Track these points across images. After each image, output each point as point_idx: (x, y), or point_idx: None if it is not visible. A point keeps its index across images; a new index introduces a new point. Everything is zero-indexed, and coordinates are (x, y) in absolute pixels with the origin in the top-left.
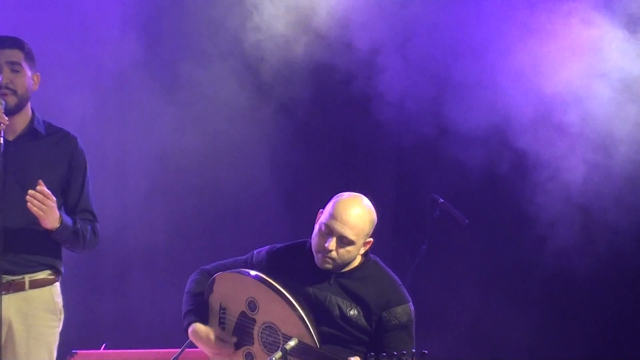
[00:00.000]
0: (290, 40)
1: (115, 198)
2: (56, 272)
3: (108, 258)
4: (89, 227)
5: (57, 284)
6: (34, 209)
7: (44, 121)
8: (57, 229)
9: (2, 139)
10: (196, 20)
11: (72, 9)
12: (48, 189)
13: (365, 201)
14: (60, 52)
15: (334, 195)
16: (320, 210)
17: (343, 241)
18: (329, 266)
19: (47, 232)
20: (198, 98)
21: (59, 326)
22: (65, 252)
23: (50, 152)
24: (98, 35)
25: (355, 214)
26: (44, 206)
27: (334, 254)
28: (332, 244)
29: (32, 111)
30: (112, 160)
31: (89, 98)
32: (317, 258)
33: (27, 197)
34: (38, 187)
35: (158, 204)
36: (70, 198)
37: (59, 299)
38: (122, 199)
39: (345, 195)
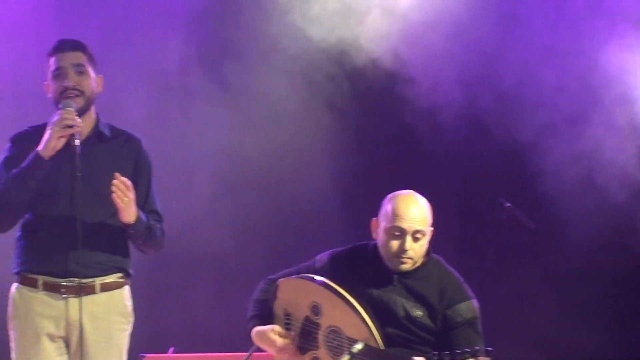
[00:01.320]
0: (352, 44)
1: (180, 201)
2: (126, 275)
3: (174, 261)
4: (158, 226)
5: (127, 287)
6: (118, 200)
7: (107, 123)
8: (134, 223)
9: (77, 141)
10: (256, 22)
11: (130, 9)
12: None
13: (415, 193)
14: (117, 53)
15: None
16: (374, 219)
17: (416, 237)
18: (408, 266)
19: (118, 235)
20: (258, 101)
21: (129, 329)
22: (133, 255)
23: (116, 154)
24: (156, 35)
25: (417, 207)
26: (126, 198)
27: (411, 252)
28: (408, 243)
29: (97, 113)
30: (175, 164)
31: (148, 100)
32: (394, 262)
33: (113, 187)
34: (121, 179)
35: (223, 207)
36: (137, 199)
37: (129, 302)
38: (187, 203)
39: (398, 194)
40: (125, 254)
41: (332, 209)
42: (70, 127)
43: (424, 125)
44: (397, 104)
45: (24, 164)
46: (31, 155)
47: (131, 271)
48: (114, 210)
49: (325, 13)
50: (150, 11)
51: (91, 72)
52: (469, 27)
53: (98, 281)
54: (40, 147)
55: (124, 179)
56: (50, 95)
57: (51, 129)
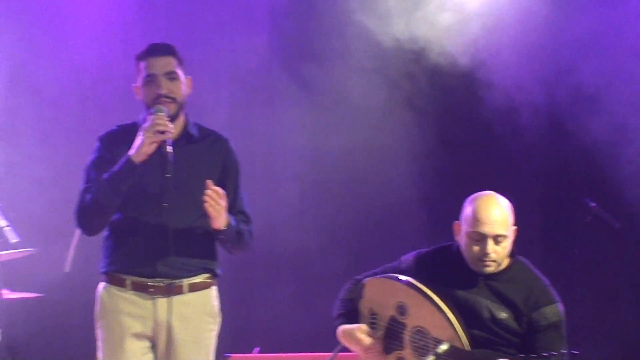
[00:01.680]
0: (430, 43)
1: (264, 201)
2: (214, 275)
3: (259, 262)
4: (247, 228)
5: (214, 287)
6: (210, 209)
7: (195, 123)
8: (225, 229)
9: (170, 147)
10: (336, 22)
11: (213, 9)
12: (204, 192)
13: (496, 194)
14: (201, 53)
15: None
16: (456, 222)
17: (498, 240)
18: (491, 269)
19: (206, 236)
20: (340, 101)
21: (216, 329)
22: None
23: (205, 155)
24: (239, 36)
25: (498, 210)
26: (218, 206)
27: (493, 255)
28: (490, 247)
29: (185, 115)
30: (259, 164)
31: (232, 101)
32: (477, 265)
33: (205, 197)
34: (213, 187)
35: (307, 208)
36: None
37: (216, 302)
38: (271, 203)
39: (478, 197)
40: (213, 255)
41: (414, 209)
42: (162, 132)
43: (503, 125)
44: (476, 104)
45: (115, 168)
46: (122, 160)
47: (218, 271)
48: (203, 212)
49: (404, 13)
50: (234, 11)
51: (181, 75)
52: (547, 26)
53: (186, 282)
54: (132, 152)
55: (216, 187)
56: (140, 98)
57: (143, 135)
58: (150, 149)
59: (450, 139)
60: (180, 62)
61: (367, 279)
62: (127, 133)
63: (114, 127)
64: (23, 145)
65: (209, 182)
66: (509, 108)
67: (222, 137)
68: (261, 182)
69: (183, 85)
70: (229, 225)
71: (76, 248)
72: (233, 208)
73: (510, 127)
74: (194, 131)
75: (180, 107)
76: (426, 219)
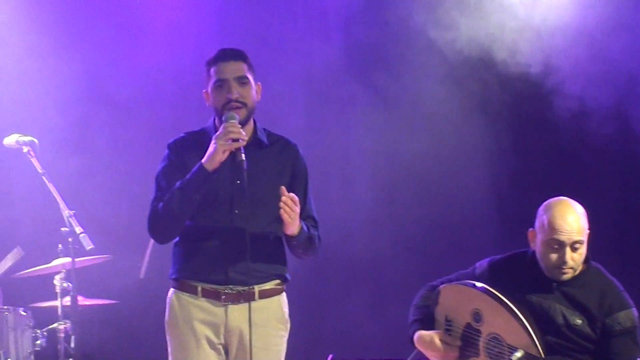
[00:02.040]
0: (502, 49)
1: (338, 207)
2: (283, 281)
3: (332, 268)
4: (316, 234)
5: (284, 293)
6: (285, 215)
7: (263, 129)
8: (297, 234)
9: (243, 155)
10: (409, 28)
11: (286, 16)
12: (275, 198)
13: (570, 200)
14: (274, 60)
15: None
16: (531, 230)
17: (575, 247)
18: (569, 276)
19: (276, 242)
20: (413, 106)
21: (286, 336)
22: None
23: (274, 161)
24: (312, 42)
25: (574, 216)
26: (293, 212)
27: (571, 262)
28: (568, 255)
29: (254, 120)
30: (333, 171)
31: (306, 107)
32: (554, 273)
33: (281, 203)
34: (288, 194)
35: (381, 214)
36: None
37: (286, 309)
38: (345, 209)
39: (552, 205)
40: (283, 261)
41: (488, 214)
42: (236, 140)
43: (574, 129)
44: (547, 109)
45: (188, 177)
46: (195, 169)
47: (288, 277)
48: (273, 218)
49: (473, 21)
50: (310, 20)
51: (252, 81)
52: (617, 31)
53: (257, 288)
54: (204, 160)
55: (291, 194)
56: (210, 104)
57: (216, 143)
58: (223, 157)
59: (522, 144)
60: (251, 68)
61: (442, 285)
62: (196, 140)
63: (182, 135)
64: (98, 152)
65: (284, 189)
66: (579, 113)
67: (291, 143)
68: (336, 188)
69: (253, 90)
70: (301, 231)
71: (151, 254)
72: (302, 213)
73: (581, 132)
74: (263, 137)
75: (250, 112)
76: (500, 224)
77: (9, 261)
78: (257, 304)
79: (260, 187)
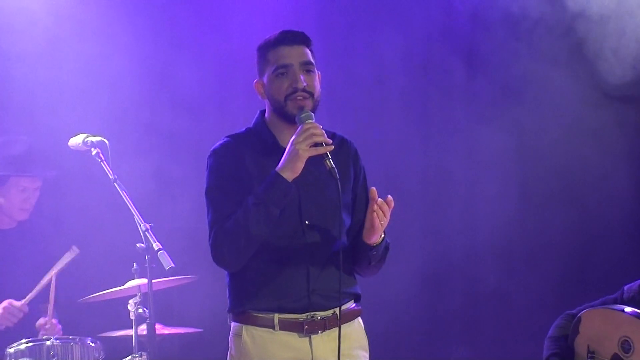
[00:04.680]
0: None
1: (467, 214)
2: (358, 299)
3: (456, 292)
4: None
5: (360, 316)
6: (377, 222)
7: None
8: (379, 243)
9: (331, 161)
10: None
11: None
12: (343, 204)
13: None
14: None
15: None
16: None
17: None
18: None
19: (348, 256)
20: (546, 99)
21: None
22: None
23: (335, 159)
24: (424, 31)
25: None
26: (386, 218)
27: None
28: None
29: None
30: (461, 175)
31: (425, 96)
32: None
33: (375, 207)
34: (388, 198)
35: (510, 225)
36: (357, 210)
37: (364, 333)
38: (474, 215)
39: None
40: (354, 277)
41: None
42: (320, 144)
43: None
44: None
45: (263, 190)
46: (270, 179)
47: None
48: (342, 227)
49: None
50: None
51: (316, 69)
52: None
53: (336, 311)
54: (281, 169)
55: (388, 196)
56: (266, 96)
57: (297, 147)
58: (303, 164)
59: None
60: (314, 55)
61: (584, 311)
62: (244, 143)
63: (226, 138)
64: (178, 156)
65: (374, 190)
66: None
67: (346, 139)
68: (462, 194)
69: (318, 80)
70: (383, 239)
71: None
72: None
73: None
74: None
75: (316, 105)
76: None
77: (65, 260)
78: (343, 331)
79: (324, 191)
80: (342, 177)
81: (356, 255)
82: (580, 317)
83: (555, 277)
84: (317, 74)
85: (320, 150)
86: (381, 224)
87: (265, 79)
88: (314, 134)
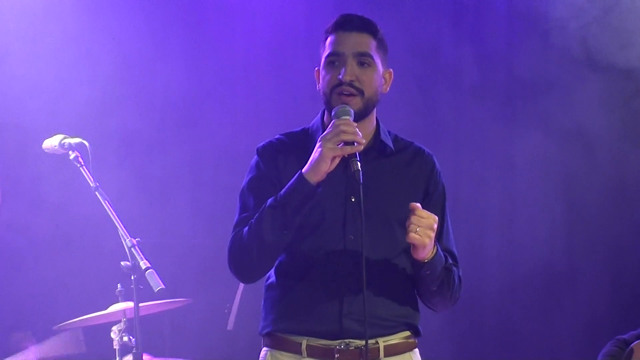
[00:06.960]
0: None
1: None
2: (415, 333)
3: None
4: (455, 270)
5: (417, 350)
6: (417, 237)
7: (389, 132)
8: (431, 260)
9: (359, 164)
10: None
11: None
12: (397, 219)
13: None
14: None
15: None
16: None
17: None
18: None
19: (405, 281)
20: (572, 104)
21: None
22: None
23: (402, 172)
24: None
25: None
26: (430, 231)
27: None
28: None
29: (377, 119)
30: (498, 191)
31: (471, 118)
32: None
33: (413, 217)
34: (423, 212)
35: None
36: None
37: None
38: (510, 231)
39: None
40: (415, 306)
41: None
42: (350, 143)
43: None
44: None
45: (284, 192)
46: (293, 181)
47: (420, 328)
48: (402, 248)
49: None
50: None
51: (379, 64)
52: None
53: (382, 342)
54: (306, 170)
55: (427, 212)
56: (318, 86)
57: (322, 146)
58: (332, 165)
59: None
60: (380, 47)
61: (636, 342)
62: (296, 143)
63: (278, 136)
64: (171, 161)
65: (415, 205)
66: None
67: (425, 151)
68: (498, 211)
69: (379, 77)
70: (436, 256)
71: (242, 299)
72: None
73: None
74: (388, 140)
75: (368, 105)
76: None
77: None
78: None
79: (382, 205)
80: (406, 190)
81: (415, 280)
82: (632, 349)
83: (604, 298)
84: (377, 70)
85: (346, 150)
86: (418, 233)
87: (321, 67)
88: (343, 132)
